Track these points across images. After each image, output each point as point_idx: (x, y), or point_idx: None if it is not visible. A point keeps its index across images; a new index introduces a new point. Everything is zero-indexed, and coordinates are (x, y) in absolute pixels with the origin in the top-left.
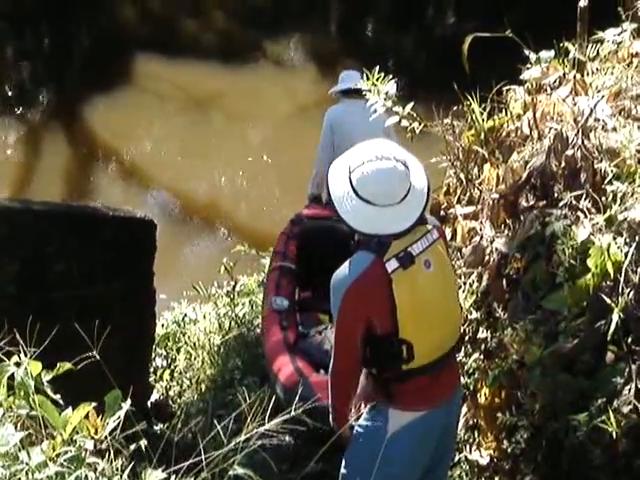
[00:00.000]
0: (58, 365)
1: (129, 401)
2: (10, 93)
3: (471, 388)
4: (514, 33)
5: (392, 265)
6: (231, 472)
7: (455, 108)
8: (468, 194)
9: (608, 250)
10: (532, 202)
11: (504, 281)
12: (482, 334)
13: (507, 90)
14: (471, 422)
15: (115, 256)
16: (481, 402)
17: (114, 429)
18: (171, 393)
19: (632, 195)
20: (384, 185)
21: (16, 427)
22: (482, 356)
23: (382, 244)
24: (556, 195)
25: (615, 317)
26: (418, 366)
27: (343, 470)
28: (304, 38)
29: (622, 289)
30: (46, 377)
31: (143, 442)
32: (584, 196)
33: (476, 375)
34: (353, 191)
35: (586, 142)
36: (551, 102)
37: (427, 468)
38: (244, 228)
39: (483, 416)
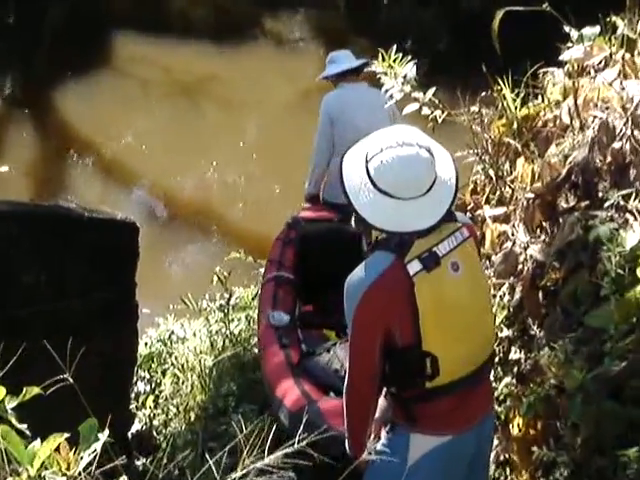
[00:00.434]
0: (24, 390)
1: (107, 431)
2: None
3: (502, 418)
4: (552, 7)
5: (414, 267)
6: None
7: (483, 94)
8: (498, 193)
9: None
10: (573, 202)
11: (540, 294)
12: (515, 355)
13: (544, 73)
14: (502, 457)
15: (91, 265)
16: (514, 434)
17: (89, 464)
18: (155, 422)
19: None
20: (406, 175)
21: None
22: (515, 380)
23: (403, 243)
24: (601, 194)
25: None
26: (444, 384)
27: None
28: (309, 14)
29: None
30: (10, 404)
31: (123, 479)
32: (633, 195)
33: (508, 403)
34: (371, 182)
35: (636, 133)
36: (595, 87)
37: None
38: (240, 232)
39: (516, 450)
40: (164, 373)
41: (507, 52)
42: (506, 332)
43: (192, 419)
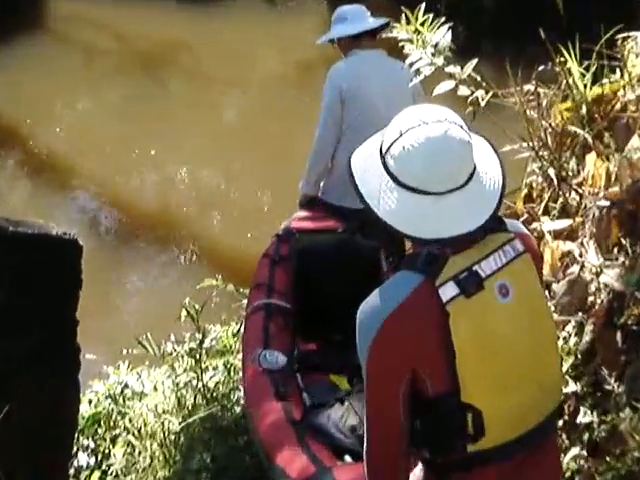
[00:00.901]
0: None
1: None
2: None
3: None
4: None
5: (449, 291)
6: None
7: (541, 68)
8: (561, 200)
9: None
10: None
11: (618, 335)
12: (585, 418)
13: (623, 39)
14: None
15: (18, 295)
16: None
17: None
18: None
19: None
20: (436, 160)
21: None
22: (585, 452)
23: (433, 259)
24: None
25: None
26: (491, 447)
27: None
28: None
29: None
30: None
31: None
32: None
33: None
34: (392, 179)
35: None
36: None
37: None
38: (217, 251)
39: None
40: (114, 441)
41: (573, 12)
42: (573, 386)
43: None
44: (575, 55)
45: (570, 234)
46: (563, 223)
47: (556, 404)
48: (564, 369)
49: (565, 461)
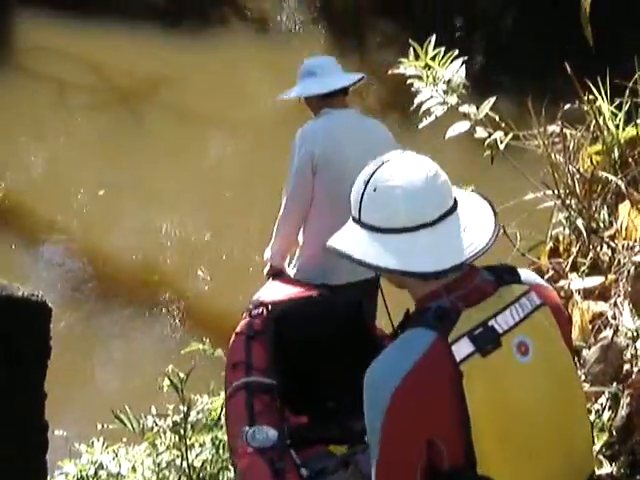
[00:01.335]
0: None
1: None
2: None
3: None
4: None
5: (463, 349)
6: None
7: (567, 106)
8: (592, 255)
9: None
10: None
11: None
12: None
13: None
14: None
15: None
16: None
17: None
18: None
19: None
20: (404, 190)
21: None
22: None
23: (444, 313)
24: None
25: None
26: None
27: None
28: None
29: None
30: None
31: None
32: None
33: None
34: (373, 230)
35: None
36: None
37: None
38: (203, 312)
39: None
40: None
41: (603, 43)
42: (608, 468)
43: None
44: (605, 92)
45: (602, 293)
46: (594, 281)
47: (587, 476)
48: (597, 447)
49: None
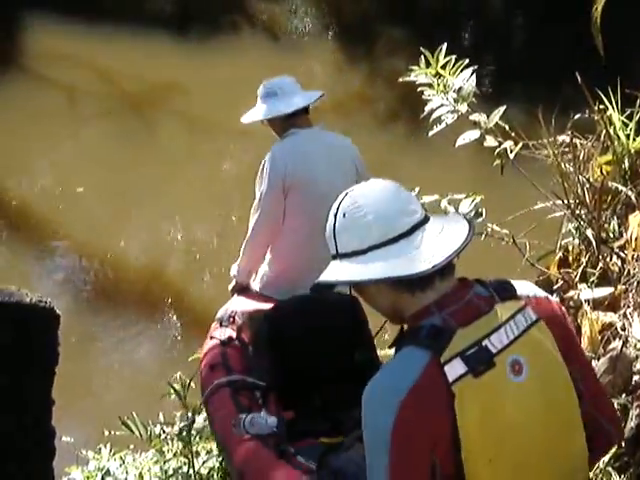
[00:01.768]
0: None
1: None
2: None
3: None
4: None
5: (455, 369)
6: None
7: (578, 116)
8: (601, 265)
9: None
10: None
11: None
12: None
13: None
14: None
15: None
16: None
17: None
18: None
19: None
20: (370, 207)
21: None
22: None
23: (437, 333)
24: None
25: None
26: None
27: None
28: None
29: None
30: None
31: None
32: None
33: None
34: (350, 257)
35: None
36: None
37: None
38: (211, 318)
39: None
40: None
41: (615, 51)
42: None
43: None
44: (616, 101)
45: (611, 304)
46: (603, 291)
47: None
48: (605, 459)
49: None
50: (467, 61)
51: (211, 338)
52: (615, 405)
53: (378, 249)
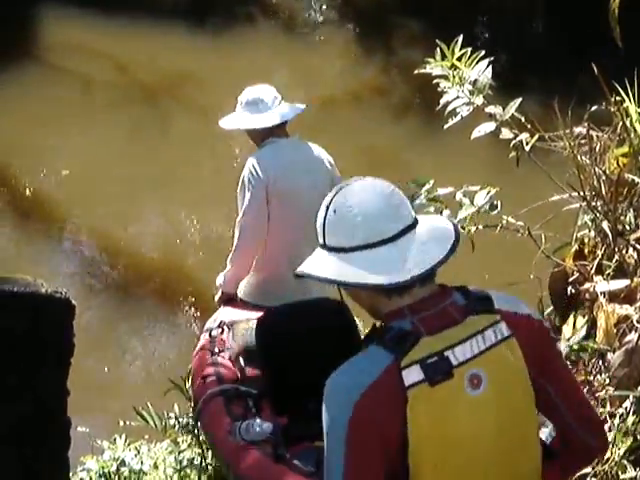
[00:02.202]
0: None
1: None
2: None
3: None
4: None
5: (412, 376)
6: None
7: (594, 107)
8: (617, 258)
9: None
10: None
11: None
12: None
13: None
14: None
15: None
16: None
17: None
18: None
19: None
20: (361, 208)
21: None
22: None
23: (403, 337)
24: None
25: None
26: None
27: None
28: None
29: None
30: None
31: None
32: None
33: None
34: (335, 251)
35: None
36: None
37: None
38: None
39: None
40: None
41: (632, 42)
42: (632, 472)
43: None
44: (633, 93)
45: (627, 296)
46: (619, 284)
47: None
48: (621, 452)
49: None
50: (483, 53)
51: (201, 349)
52: (631, 398)
53: (362, 251)
